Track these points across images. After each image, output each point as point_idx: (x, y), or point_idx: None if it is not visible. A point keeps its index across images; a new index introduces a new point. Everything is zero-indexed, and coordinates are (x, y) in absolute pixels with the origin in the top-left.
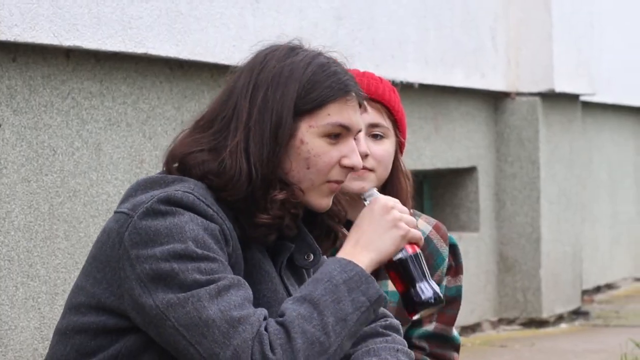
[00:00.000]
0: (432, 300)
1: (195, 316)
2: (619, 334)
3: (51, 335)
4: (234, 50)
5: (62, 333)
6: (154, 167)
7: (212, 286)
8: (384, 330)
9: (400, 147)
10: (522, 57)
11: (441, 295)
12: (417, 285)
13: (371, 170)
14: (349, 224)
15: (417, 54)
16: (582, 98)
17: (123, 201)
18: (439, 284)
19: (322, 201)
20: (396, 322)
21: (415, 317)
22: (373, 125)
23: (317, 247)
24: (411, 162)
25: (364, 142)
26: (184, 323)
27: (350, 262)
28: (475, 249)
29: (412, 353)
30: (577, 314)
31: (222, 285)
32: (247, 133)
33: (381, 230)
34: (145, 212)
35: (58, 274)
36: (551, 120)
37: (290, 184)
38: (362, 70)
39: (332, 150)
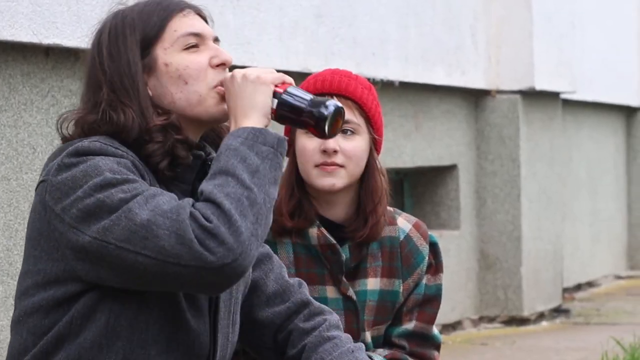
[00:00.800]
0: (333, 106)
1: (131, 225)
2: (600, 332)
3: None
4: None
5: (16, 322)
6: None
7: (138, 198)
8: (329, 334)
9: (375, 144)
10: (503, 55)
11: (337, 101)
12: (308, 108)
13: (341, 166)
14: (323, 221)
15: (398, 52)
16: (563, 96)
17: (40, 177)
18: (418, 282)
19: (217, 109)
20: (335, 318)
21: (335, 133)
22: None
23: None
24: (392, 160)
25: (333, 139)
26: (123, 238)
27: (239, 128)
28: (456, 246)
29: (362, 345)
30: (558, 311)
31: (148, 194)
32: (111, 85)
33: (248, 94)
34: (58, 169)
35: None
36: (532, 118)
37: (167, 111)
38: (343, 68)
39: (197, 56)
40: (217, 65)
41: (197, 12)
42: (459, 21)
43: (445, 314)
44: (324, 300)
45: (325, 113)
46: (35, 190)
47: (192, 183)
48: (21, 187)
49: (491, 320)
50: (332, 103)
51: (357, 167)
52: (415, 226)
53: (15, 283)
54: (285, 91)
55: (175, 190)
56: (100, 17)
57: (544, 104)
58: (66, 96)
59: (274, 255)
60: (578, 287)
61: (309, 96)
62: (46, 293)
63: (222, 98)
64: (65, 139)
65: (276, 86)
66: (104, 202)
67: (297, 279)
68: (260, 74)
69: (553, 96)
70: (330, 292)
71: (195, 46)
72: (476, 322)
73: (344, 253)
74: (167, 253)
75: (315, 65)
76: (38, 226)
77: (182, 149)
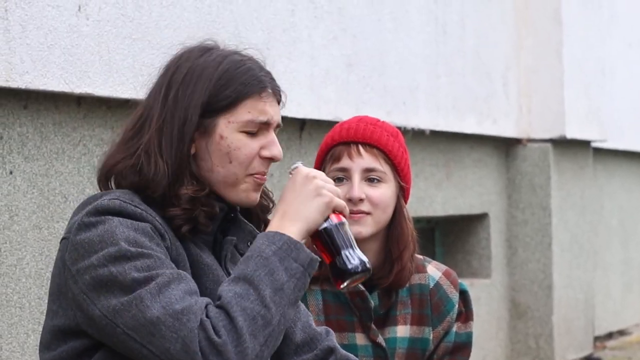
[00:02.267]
0: (359, 269)
1: (140, 317)
2: None
3: None
4: None
5: None
6: None
7: (152, 284)
8: None
9: (403, 192)
10: (534, 103)
11: (368, 264)
12: (343, 253)
13: (368, 213)
14: None
15: (428, 101)
16: (594, 144)
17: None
18: (448, 330)
19: (251, 195)
20: (331, 342)
21: (343, 286)
22: (368, 170)
23: (258, 233)
24: (423, 208)
25: (359, 187)
26: (132, 326)
27: (276, 233)
28: (487, 295)
29: None
30: None
31: (161, 282)
32: (159, 131)
33: (305, 199)
34: (78, 228)
35: None
36: (563, 167)
37: (200, 180)
38: (373, 116)
39: (251, 142)
40: (263, 159)
41: (274, 93)
42: (490, 70)
43: None
44: (353, 347)
45: (356, 270)
46: (60, 243)
47: (214, 234)
48: (52, 236)
49: None
50: (365, 264)
51: (383, 215)
52: (445, 274)
53: None
54: (339, 224)
55: (196, 242)
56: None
57: (574, 152)
58: (98, 145)
59: (301, 303)
60: (609, 335)
61: (353, 242)
62: (66, 346)
63: (257, 187)
64: (99, 181)
65: (333, 211)
66: (116, 278)
67: (324, 327)
68: (330, 193)
69: (584, 145)
70: (360, 339)
71: (255, 133)
72: None
73: (373, 300)
74: (171, 356)
75: (346, 114)
76: (57, 281)
77: (206, 218)
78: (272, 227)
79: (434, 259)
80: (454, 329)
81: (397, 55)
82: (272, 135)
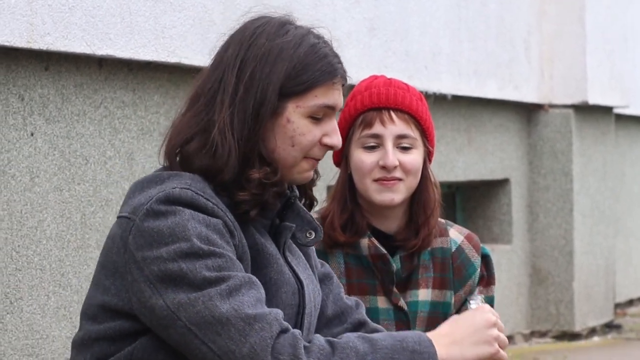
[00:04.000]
0: None
1: (207, 315)
2: None
3: None
4: None
5: (81, 344)
6: None
7: (223, 286)
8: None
9: (428, 155)
10: (556, 69)
11: None
12: None
13: (400, 179)
14: (374, 232)
15: (450, 66)
16: (616, 111)
17: (123, 205)
18: (470, 293)
19: (305, 174)
20: (361, 316)
21: None
22: (401, 137)
23: (318, 225)
24: (444, 173)
25: (392, 154)
26: (195, 322)
27: (430, 341)
28: (508, 261)
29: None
30: (609, 327)
31: (232, 285)
32: (232, 108)
33: (476, 339)
34: (146, 214)
35: (90, 283)
36: (584, 133)
37: (270, 163)
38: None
39: (315, 129)
40: (323, 146)
41: (342, 77)
42: (512, 35)
43: None
44: (375, 310)
45: None
46: (117, 217)
47: (272, 219)
48: (73, 198)
49: (542, 335)
50: None
51: (414, 180)
52: (468, 238)
53: (67, 293)
54: None
55: (257, 226)
56: (175, 26)
57: (596, 118)
58: (119, 107)
59: (334, 275)
60: (630, 302)
61: None
62: (114, 323)
63: (312, 167)
64: (167, 157)
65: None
66: (186, 274)
67: (354, 299)
68: (496, 345)
69: (606, 110)
70: (382, 302)
71: (320, 118)
72: (527, 337)
73: (395, 264)
74: (233, 358)
75: None
76: (115, 259)
77: (274, 198)
78: (433, 334)
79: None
80: (476, 292)
81: (419, 20)
82: (334, 123)
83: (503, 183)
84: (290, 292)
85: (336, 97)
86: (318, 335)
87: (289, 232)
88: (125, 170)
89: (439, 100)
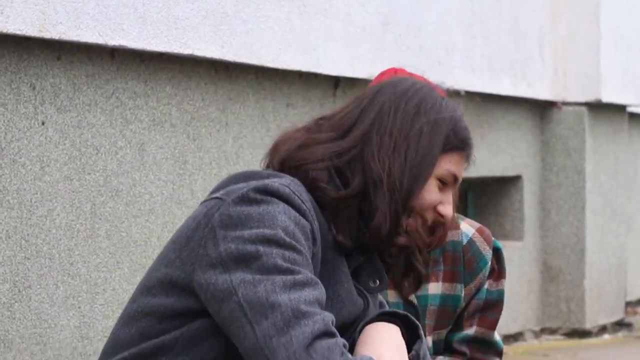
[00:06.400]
0: None
1: (263, 297)
2: None
3: (91, 335)
4: (279, 52)
5: (130, 316)
6: (197, 168)
7: (289, 276)
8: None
9: None
10: (570, 67)
11: None
12: None
13: None
14: None
15: (463, 61)
16: (629, 109)
17: (214, 192)
18: (480, 287)
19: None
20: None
21: None
22: None
23: (385, 276)
24: None
25: None
26: (250, 300)
27: None
28: (519, 258)
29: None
30: (620, 325)
31: (299, 280)
32: (395, 153)
33: None
34: (240, 198)
35: (99, 273)
36: (597, 131)
37: (417, 213)
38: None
39: (438, 194)
40: (437, 212)
41: (468, 157)
42: (526, 32)
43: (506, 324)
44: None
45: None
46: (204, 201)
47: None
48: (83, 188)
49: (553, 332)
50: None
51: None
52: (479, 231)
53: (76, 283)
54: None
55: (333, 248)
56: (188, 17)
57: (610, 116)
58: (130, 98)
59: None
60: None
61: None
62: (167, 299)
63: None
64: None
65: None
66: (260, 257)
67: None
68: None
69: (619, 109)
70: (392, 296)
71: (446, 184)
72: (538, 334)
73: None
74: (268, 345)
75: None
76: (190, 234)
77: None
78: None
79: None
80: (486, 286)
81: (433, 15)
82: (452, 196)
83: (515, 180)
84: (354, 314)
85: (461, 170)
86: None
87: (357, 262)
88: (136, 161)
89: (452, 95)
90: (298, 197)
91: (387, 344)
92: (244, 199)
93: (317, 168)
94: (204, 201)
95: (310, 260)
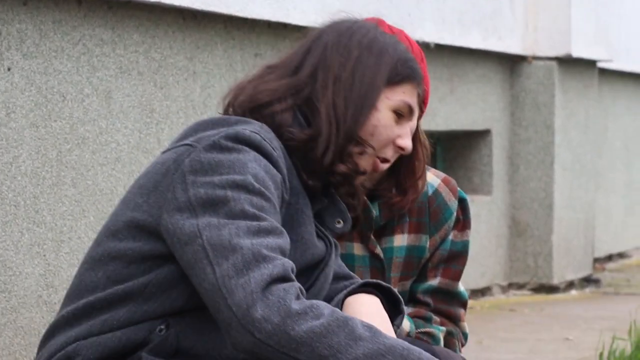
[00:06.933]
0: None
1: (226, 239)
2: (629, 302)
3: (56, 283)
4: (248, 2)
5: (96, 260)
6: (164, 116)
7: (254, 222)
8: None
9: (420, 116)
10: (540, 21)
11: None
12: None
13: None
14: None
15: (434, 14)
16: (600, 65)
17: (182, 138)
18: (445, 238)
19: (365, 168)
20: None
21: None
22: None
23: (349, 217)
24: (425, 123)
25: None
26: (213, 242)
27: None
28: (488, 212)
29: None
30: (587, 281)
31: (263, 226)
32: (337, 87)
33: None
34: (211, 145)
35: (64, 221)
36: (567, 86)
37: (364, 142)
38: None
39: (395, 126)
40: (396, 146)
41: (420, 88)
42: None
43: (474, 279)
44: (350, 257)
45: None
46: (173, 148)
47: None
48: (49, 135)
49: (520, 287)
50: None
51: None
52: (444, 181)
53: (41, 231)
54: None
55: (299, 192)
56: None
57: (580, 71)
58: (97, 45)
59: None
60: (609, 257)
61: None
62: (134, 243)
63: (374, 170)
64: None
65: None
66: (228, 202)
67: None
68: None
69: (590, 64)
70: (357, 249)
71: (401, 116)
72: (505, 289)
73: (374, 210)
74: (226, 285)
75: None
76: (158, 179)
77: (347, 192)
78: None
79: None
80: (451, 237)
81: None
82: (409, 127)
83: (484, 134)
84: (317, 256)
85: (415, 101)
86: (325, 302)
87: (320, 205)
88: (102, 109)
89: (421, 48)
90: (269, 143)
91: (372, 317)
92: (215, 146)
93: (281, 109)
94: (172, 147)
95: (278, 209)
